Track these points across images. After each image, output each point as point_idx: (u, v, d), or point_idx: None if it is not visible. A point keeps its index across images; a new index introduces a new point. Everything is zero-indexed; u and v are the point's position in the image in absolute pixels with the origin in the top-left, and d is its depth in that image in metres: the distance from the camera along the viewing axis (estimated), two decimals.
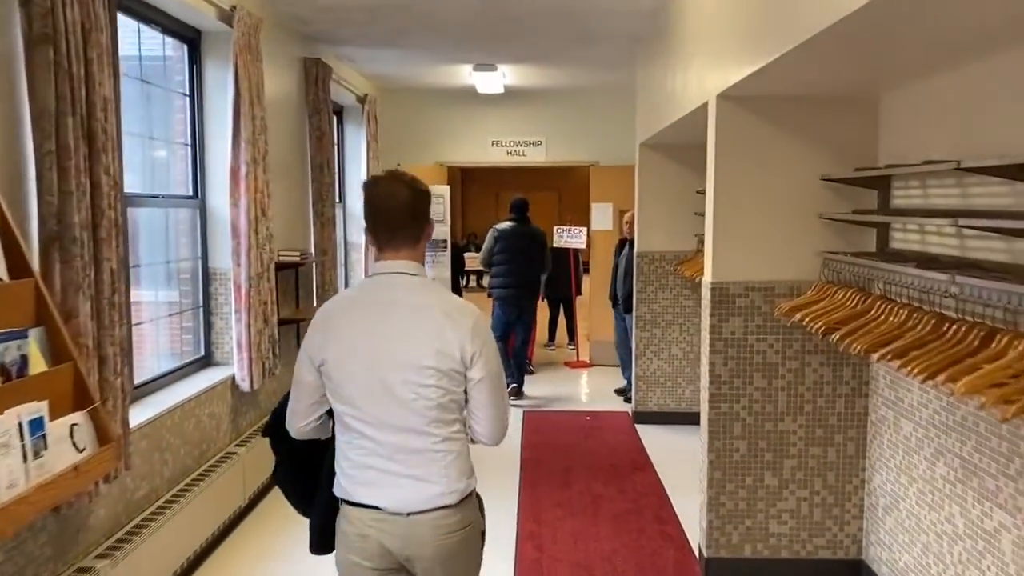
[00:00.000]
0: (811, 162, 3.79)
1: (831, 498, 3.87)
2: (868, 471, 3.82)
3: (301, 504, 2.29)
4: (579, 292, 9.36)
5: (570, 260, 9.02)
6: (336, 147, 7.85)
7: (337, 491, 2.11)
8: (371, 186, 2.08)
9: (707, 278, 3.93)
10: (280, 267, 5.36)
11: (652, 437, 6.27)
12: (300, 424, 2.14)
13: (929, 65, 3.02)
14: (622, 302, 7.12)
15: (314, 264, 6.13)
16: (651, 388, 6.67)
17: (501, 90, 8.28)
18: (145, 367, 4.33)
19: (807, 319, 3.27)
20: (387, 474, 2.03)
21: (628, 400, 7.09)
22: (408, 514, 2.03)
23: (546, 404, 7.29)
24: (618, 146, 8.59)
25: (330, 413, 2.14)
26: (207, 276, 4.82)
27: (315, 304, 6.21)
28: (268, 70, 5.14)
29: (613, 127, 8.67)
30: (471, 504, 2.13)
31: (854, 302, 3.22)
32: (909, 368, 2.36)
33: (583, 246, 8.84)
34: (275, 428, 2.24)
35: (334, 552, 2.16)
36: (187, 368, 4.61)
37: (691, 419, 6.49)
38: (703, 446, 3.98)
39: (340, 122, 7.96)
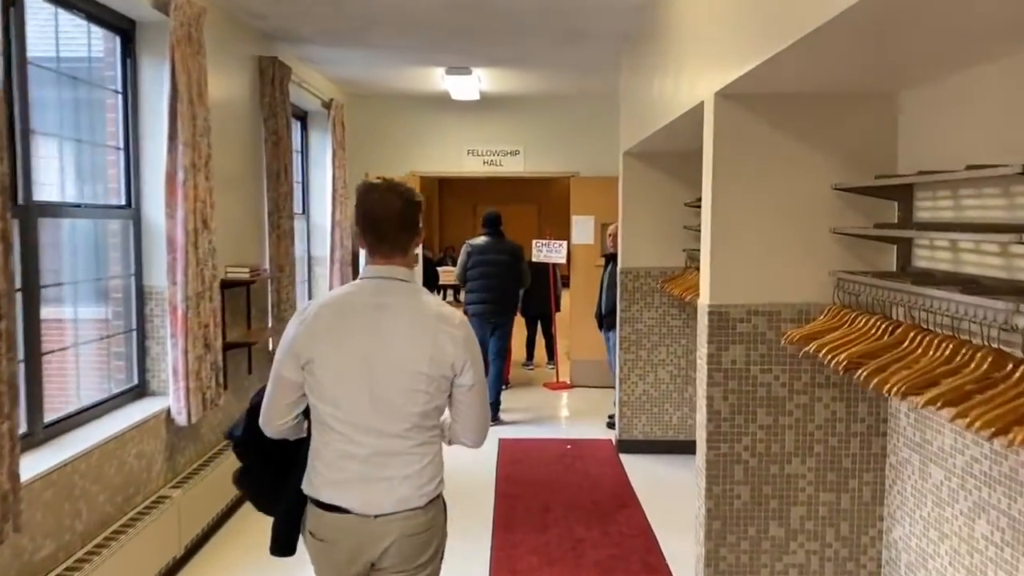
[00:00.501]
0: (821, 169, 3.34)
1: (844, 551, 3.40)
2: (887, 521, 3.36)
3: (267, 505, 2.27)
4: (558, 308, 8.88)
5: (549, 275, 8.56)
6: (300, 155, 7.37)
7: (306, 488, 2.12)
8: (366, 193, 2.10)
9: (704, 300, 3.47)
10: (227, 285, 4.85)
11: (638, 468, 5.80)
12: (277, 422, 2.13)
13: (960, 56, 2.57)
14: (604, 318, 6.68)
15: (269, 281, 5.60)
16: (636, 414, 6.20)
17: (476, 96, 7.82)
18: (67, 400, 3.81)
19: (824, 351, 2.80)
20: (360, 476, 2.05)
21: (611, 426, 6.61)
22: (376, 516, 2.06)
23: (525, 423, 6.79)
24: (600, 156, 8.16)
25: (306, 413, 2.15)
26: (142, 295, 4.29)
27: (270, 325, 5.68)
28: (216, 68, 4.64)
29: (595, 136, 8.24)
30: (438, 506, 2.17)
31: (879, 331, 2.77)
32: (969, 420, 1.89)
33: (563, 261, 8.39)
34: (247, 429, 2.21)
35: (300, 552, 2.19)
36: (117, 399, 4.08)
37: (679, 448, 6.06)
38: (700, 492, 3.50)
39: (304, 128, 7.46)
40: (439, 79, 7.21)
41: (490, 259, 7.11)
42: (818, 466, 3.40)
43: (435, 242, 19.98)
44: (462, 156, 8.44)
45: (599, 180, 8.09)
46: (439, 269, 15.47)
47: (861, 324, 2.88)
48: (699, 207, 5.86)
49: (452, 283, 12.06)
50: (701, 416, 3.47)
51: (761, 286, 3.37)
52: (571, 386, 8.38)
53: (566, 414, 7.62)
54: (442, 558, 2.24)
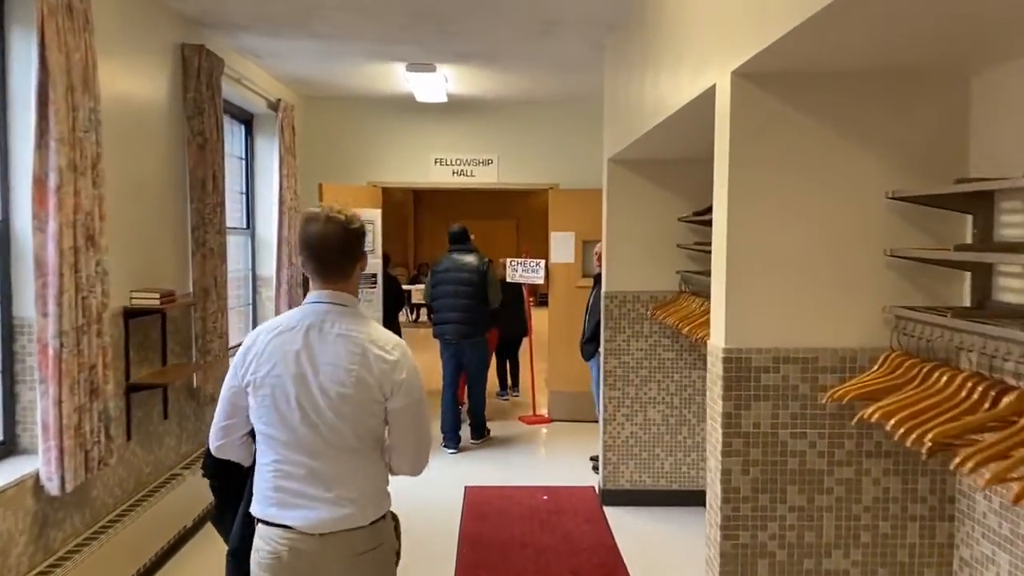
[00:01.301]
0: (870, 172, 2.58)
1: None
2: None
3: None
4: (526, 332, 8.04)
5: (522, 295, 7.77)
6: (244, 162, 6.55)
7: (253, 510, 2.16)
8: (305, 224, 2.13)
9: (718, 342, 2.68)
10: (133, 314, 4.00)
11: (625, 524, 4.99)
12: (220, 442, 2.20)
13: None
14: (586, 345, 5.91)
15: (192, 308, 4.76)
16: (623, 460, 5.39)
17: (444, 98, 7.03)
18: None
19: (897, 424, 2.02)
20: (301, 496, 2.08)
21: (596, 469, 5.80)
22: (320, 534, 2.08)
23: (495, 462, 5.96)
24: (581, 166, 7.41)
25: (252, 435, 2.19)
26: (10, 329, 3.44)
27: (194, 359, 4.83)
28: (120, 52, 3.85)
29: (576, 144, 7.49)
30: (384, 525, 2.18)
31: (973, 392, 1.98)
32: None
33: (541, 281, 7.59)
34: (208, 457, 2.30)
35: None
36: None
37: (672, 499, 5.27)
38: None
39: (249, 134, 6.63)
40: (401, 78, 6.43)
41: (452, 277, 6.60)
42: (866, 559, 2.61)
43: (410, 258, 19.19)
44: (429, 165, 7.64)
45: (581, 192, 7.34)
46: (414, 288, 14.76)
47: (942, 383, 2.10)
48: (696, 222, 5.13)
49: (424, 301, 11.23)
50: (715, 496, 2.67)
51: (792, 326, 2.59)
52: (550, 420, 7.57)
53: (543, 453, 6.80)
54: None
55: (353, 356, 2.07)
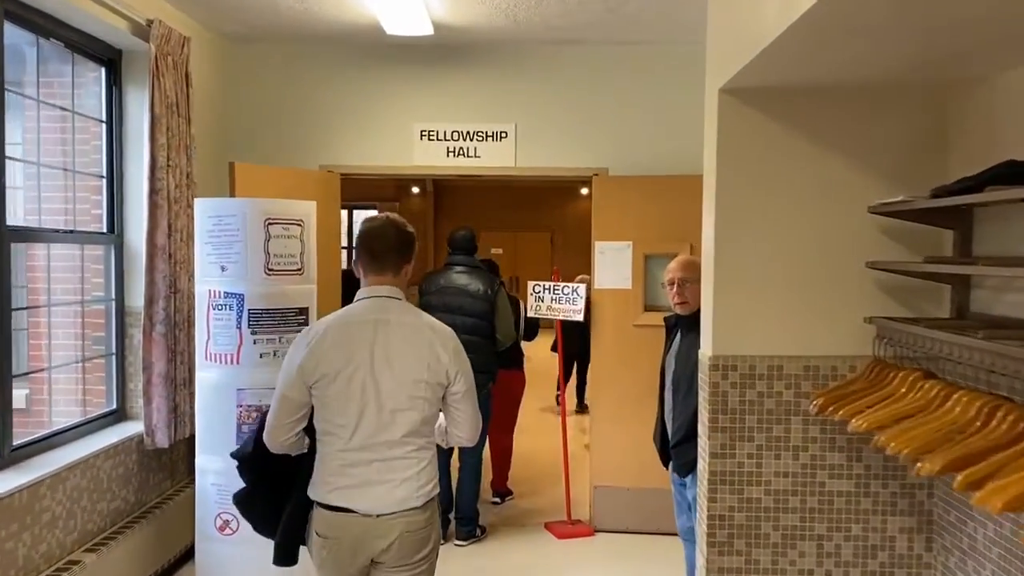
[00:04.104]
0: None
1: None
2: None
3: (268, 525, 2.43)
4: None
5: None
6: (107, 128, 4.11)
7: (312, 494, 2.32)
8: (365, 224, 2.42)
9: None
10: None
11: None
12: (280, 439, 2.33)
13: None
14: (673, 448, 3.30)
15: None
16: None
17: (428, 30, 4.49)
18: None
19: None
20: (364, 481, 2.25)
21: None
22: (378, 515, 2.26)
23: None
24: (644, 141, 4.90)
25: (306, 429, 2.34)
26: None
27: None
28: None
29: (635, 108, 4.93)
30: (434, 506, 2.36)
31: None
32: None
33: (579, 316, 4.98)
34: (256, 446, 2.40)
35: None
36: None
37: None
38: None
39: (115, 82, 4.16)
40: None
41: (450, 303, 4.59)
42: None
43: (431, 261, 16.76)
44: (412, 141, 5.08)
45: (643, 181, 4.76)
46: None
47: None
48: (903, 216, 2.50)
49: None
50: None
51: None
52: (593, 532, 4.92)
53: None
54: (437, 555, 2.41)
55: (421, 346, 2.27)
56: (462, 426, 2.37)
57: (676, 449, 3.22)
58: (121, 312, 4.17)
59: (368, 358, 2.23)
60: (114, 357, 4.12)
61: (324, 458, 2.30)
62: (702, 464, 2.72)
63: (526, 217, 16.51)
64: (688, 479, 3.18)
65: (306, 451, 2.37)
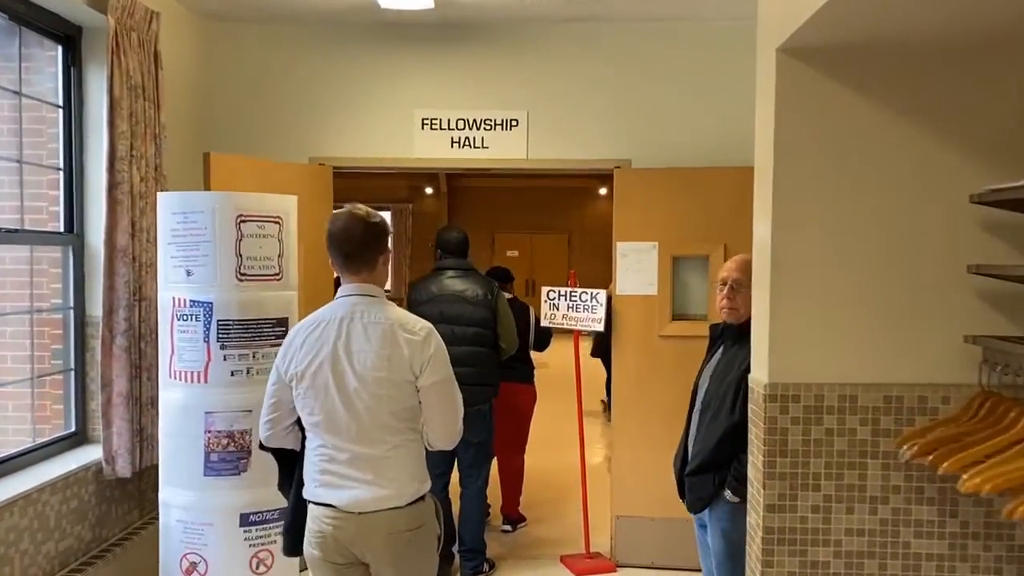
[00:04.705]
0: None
1: None
2: None
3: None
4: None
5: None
6: (65, 113, 3.65)
7: (304, 493, 2.37)
8: (330, 224, 2.37)
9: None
10: None
11: None
12: (267, 433, 2.42)
13: None
14: (687, 480, 2.82)
15: None
16: None
17: (429, 3, 4.00)
18: None
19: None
20: (343, 478, 2.28)
21: None
22: (359, 513, 2.27)
23: None
24: (674, 129, 4.36)
25: (299, 424, 2.40)
26: None
27: None
28: None
29: (663, 91, 4.40)
30: (422, 506, 2.34)
31: None
32: None
33: (600, 327, 4.45)
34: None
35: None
36: None
37: None
38: None
39: (74, 63, 3.68)
40: None
41: (446, 312, 4.04)
42: None
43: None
44: (412, 130, 4.58)
45: (671, 173, 4.23)
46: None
47: None
48: (1007, 207, 1.94)
49: None
50: None
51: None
52: (614, 567, 4.39)
53: None
54: (437, 566, 2.40)
55: (384, 340, 2.26)
56: (432, 424, 2.33)
57: (691, 479, 2.73)
58: (81, 322, 3.69)
59: (331, 357, 2.27)
60: (73, 373, 3.65)
61: (307, 454, 2.36)
62: (755, 519, 2.19)
63: (543, 218, 16.03)
64: (707, 516, 2.70)
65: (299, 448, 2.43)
